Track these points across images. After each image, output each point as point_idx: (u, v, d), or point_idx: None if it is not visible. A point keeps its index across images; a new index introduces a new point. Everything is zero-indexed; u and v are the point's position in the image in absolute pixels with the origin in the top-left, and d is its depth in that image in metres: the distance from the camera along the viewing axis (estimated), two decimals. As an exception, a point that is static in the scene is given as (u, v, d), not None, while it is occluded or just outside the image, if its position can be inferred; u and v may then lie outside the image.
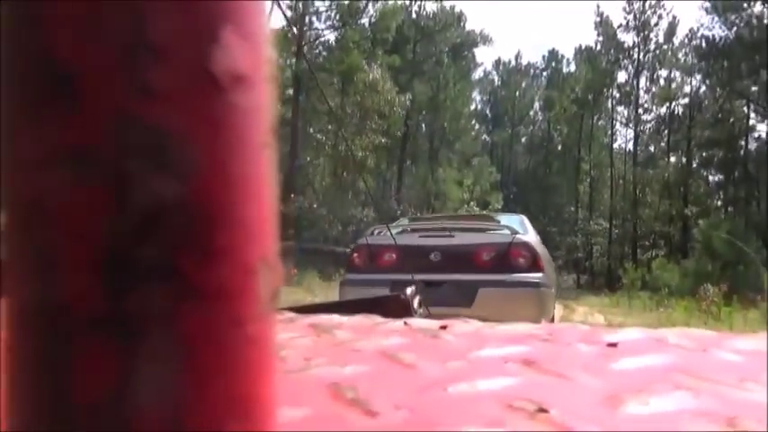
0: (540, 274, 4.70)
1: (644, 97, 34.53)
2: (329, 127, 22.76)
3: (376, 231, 5.31)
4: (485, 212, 7.92)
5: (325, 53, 28.12)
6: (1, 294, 0.17)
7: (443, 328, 0.73)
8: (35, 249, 0.16)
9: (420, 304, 1.07)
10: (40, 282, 0.16)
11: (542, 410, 0.42)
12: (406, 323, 0.76)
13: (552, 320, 4.86)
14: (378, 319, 0.82)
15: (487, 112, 42.78)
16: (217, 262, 0.16)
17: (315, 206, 22.30)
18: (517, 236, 4.82)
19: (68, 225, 0.16)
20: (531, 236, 5.25)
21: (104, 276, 0.16)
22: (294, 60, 24.46)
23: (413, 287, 1.08)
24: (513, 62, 42.92)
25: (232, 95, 0.17)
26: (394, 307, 1.01)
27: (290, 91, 24.63)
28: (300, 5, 26.46)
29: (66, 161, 0.16)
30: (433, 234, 4.96)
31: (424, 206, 26.92)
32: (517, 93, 41.86)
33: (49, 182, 0.16)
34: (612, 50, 33.97)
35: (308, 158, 24.95)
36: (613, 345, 0.61)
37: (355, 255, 5.17)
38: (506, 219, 6.09)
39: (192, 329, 0.16)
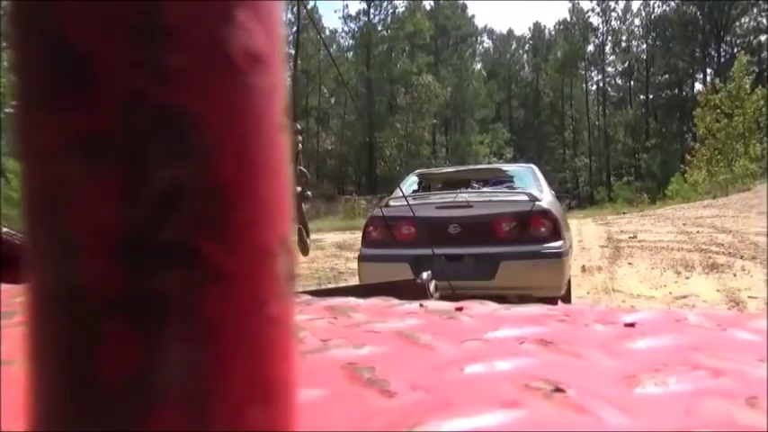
0: (560, 242, 4.58)
1: (609, 58, 49.57)
2: (396, 115, 37.75)
3: (391, 202, 4.97)
4: (495, 166, 7.67)
5: (383, 59, 44.11)
6: (22, 279, 0.17)
7: (459, 309, 0.73)
8: (54, 234, 0.16)
9: (436, 288, 1.08)
10: (59, 266, 0.16)
11: (559, 390, 0.41)
12: (422, 305, 0.76)
13: None
14: (394, 301, 0.82)
15: (485, 74, 51.84)
16: (236, 243, 0.16)
17: (397, 168, 33.58)
18: (536, 203, 4.65)
19: (87, 209, 0.16)
20: (546, 194, 5.07)
21: (124, 259, 0.16)
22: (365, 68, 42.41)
23: (429, 272, 1.09)
24: (504, 32, 55.02)
25: (248, 76, 0.16)
26: (410, 290, 1.01)
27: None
28: (369, 30, 43.64)
29: (82, 145, 0.16)
30: (450, 204, 4.77)
31: (459, 162, 38.30)
32: (509, 57, 53.05)
33: (66, 166, 0.16)
34: (582, 29, 47.98)
35: (392, 137, 39.42)
36: (631, 325, 0.61)
37: (371, 228, 4.92)
38: (517, 171, 5.86)
39: (213, 311, 0.16)
